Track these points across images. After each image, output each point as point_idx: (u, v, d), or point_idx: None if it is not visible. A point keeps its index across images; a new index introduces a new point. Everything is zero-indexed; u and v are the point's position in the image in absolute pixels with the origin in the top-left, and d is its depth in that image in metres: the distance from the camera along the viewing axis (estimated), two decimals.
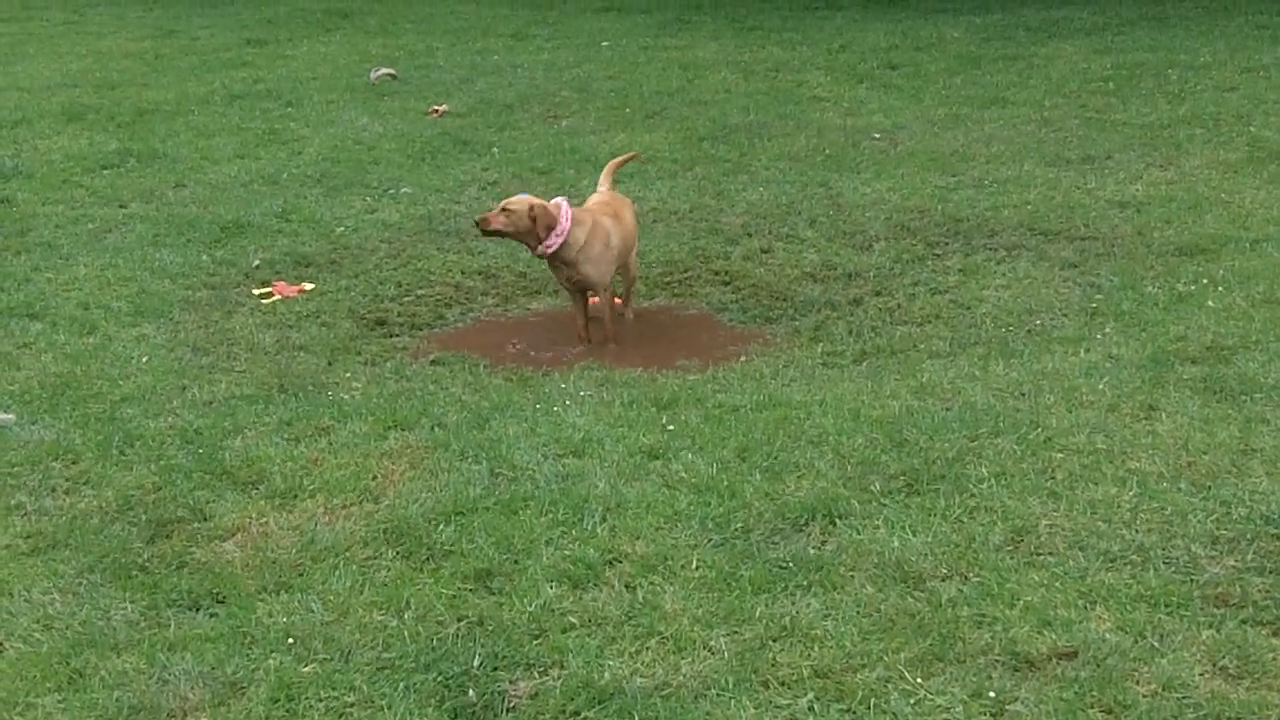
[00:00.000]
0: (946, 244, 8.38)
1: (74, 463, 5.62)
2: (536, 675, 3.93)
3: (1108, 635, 3.94)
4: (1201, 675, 3.76)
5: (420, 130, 11.55)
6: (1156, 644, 3.90)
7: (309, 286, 8.18)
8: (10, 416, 6.10)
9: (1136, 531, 4.52)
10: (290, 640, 4.18)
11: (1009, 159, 9.97)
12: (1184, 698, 3.67)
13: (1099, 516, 4.62)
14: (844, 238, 8.62)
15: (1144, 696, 3.68)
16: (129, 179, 10.36)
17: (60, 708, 3.99)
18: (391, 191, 9.93)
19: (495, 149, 10.94)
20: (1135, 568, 4.30)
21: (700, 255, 8.53)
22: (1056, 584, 4.21)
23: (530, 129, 11.57)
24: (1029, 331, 6.89)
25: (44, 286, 8.08)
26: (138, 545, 4.88)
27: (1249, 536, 4.44)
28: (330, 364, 6.98)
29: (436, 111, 12.10)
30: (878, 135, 10.86)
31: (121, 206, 9.72)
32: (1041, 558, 4.39)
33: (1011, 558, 4.39)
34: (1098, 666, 3.80)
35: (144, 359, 6.88)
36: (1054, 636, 3.95)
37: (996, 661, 3.85)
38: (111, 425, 5.95)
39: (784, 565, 4.40)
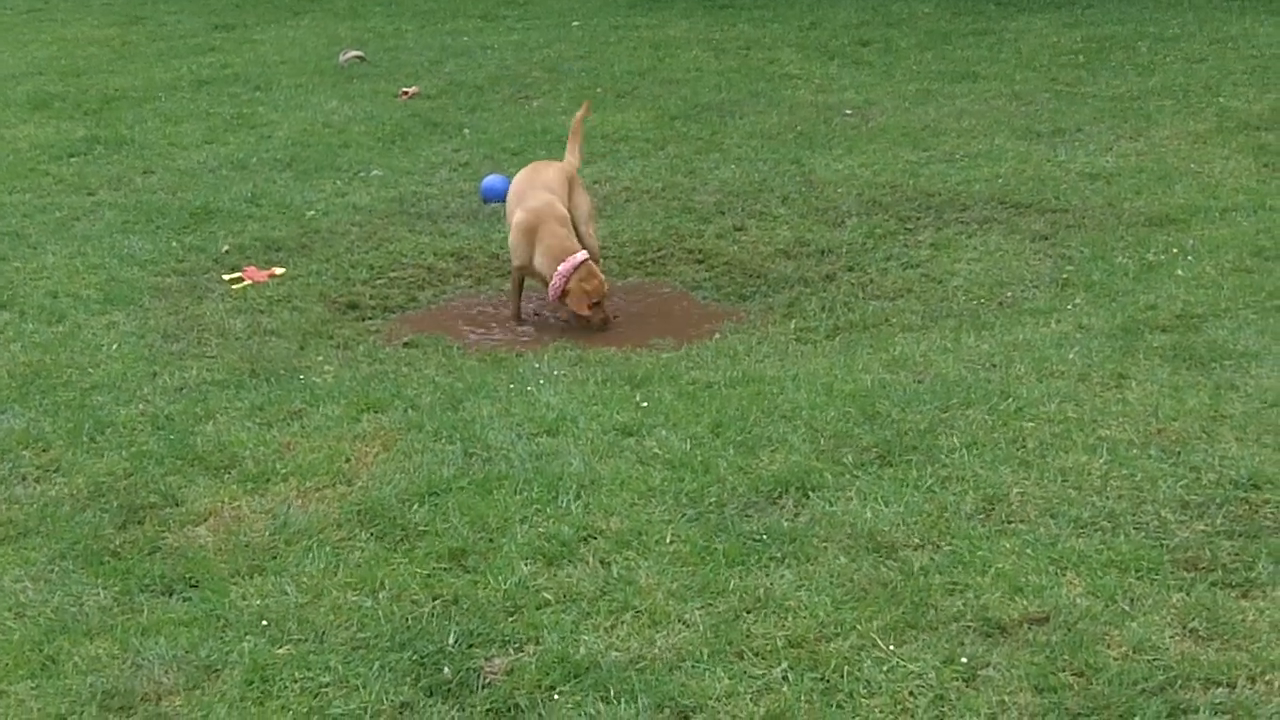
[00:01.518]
0: (918, 219, 8.39)
1: (44, 450, 5.59)
2: (512, 651, 3.94)
3: (1079, 600, 3.96)
4: (1172, 638, 3.79)
5: (390, 113, 11.51)
6: (1127, 608, 3.92)
7: (279, 271, 8.15)
8: None
9: (1107, 498, 4.54)
10: (264, 623, 4.18)
11: (980, 133, 9.98)
12: (1154, 660, 3.69)
13: (1070, 484, 4.64)
14: (816, 214, 8.62)
15: (1115, 659, 3.70)
16: (96, 166, 10.29)
17: (33, 694, 3.97)
18: (362, 174, 9.89)
19: (466, 130, 10.90)
20: (1106, 534, 4.32)
21: (673, 234, 8.52)
22: (1028, 551, 4.24)
23: (501, 110, 11.54)
24: (1000, 304, 6.91)
25: (12, 276, 8.02)
26: (109, 531, 4.86)
27: (1218, 501, 4.47)
28: (302, 348, 6.95)
29: (406, 94, 12.06)
30: (849, 111, 10.87)
31: (89, 194, 9.66)
32: (1013, 525, 4.41)
33: (983, 526, 4.41)
34: (1069, 631, 3.82)
35: (114, 346, 6.84)
36: (1025, 602, 3.97)
37: (969, 628, 3.87)
38: (82, 413, 5.93)
39: (758, 538, 4.41)
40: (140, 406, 5.98)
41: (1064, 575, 4.10)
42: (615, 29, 14.78)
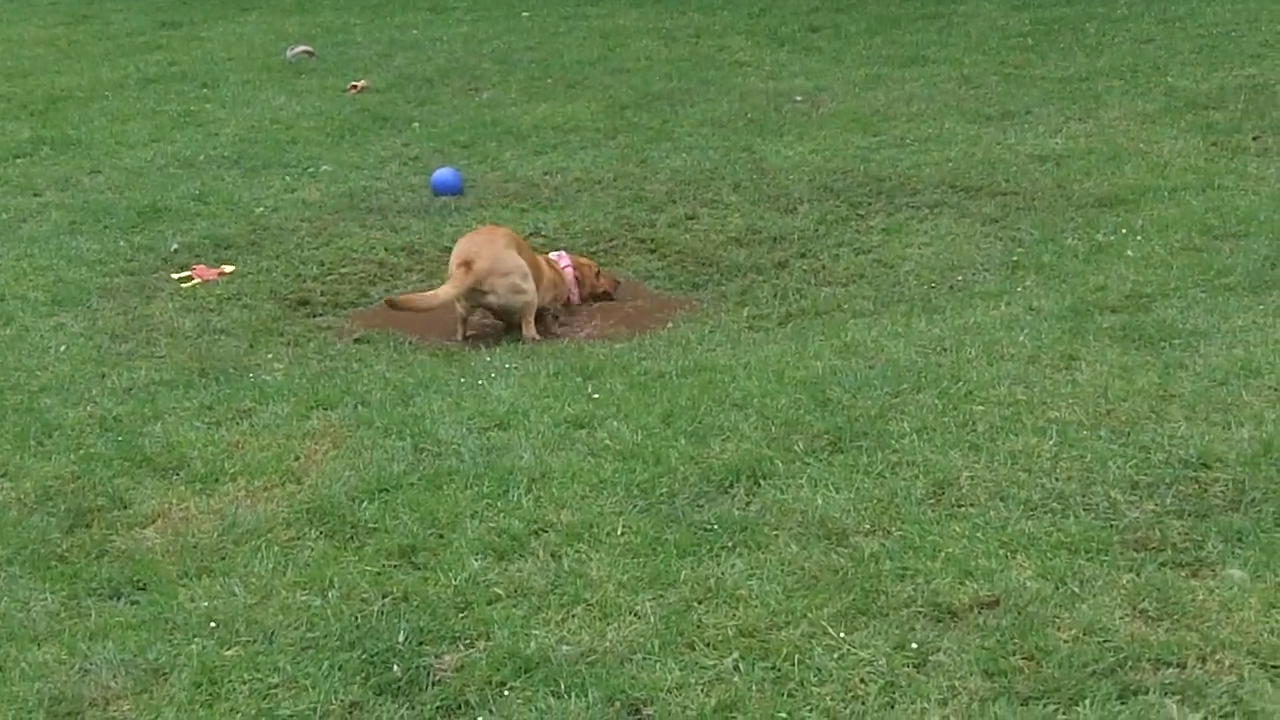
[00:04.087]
0: (870, 204, 8.41)
1: None
2: (462, 648, 3.90)
3: (1029, 583, 3.95)
4: (1121, 619, 3.78)
5: (339, 108, 11.43)
6: (1077, 590, 3.91)
7: (229, 269, 8.09)
8: None
9: (1057, 480, 4.53)
10: (213, 624, 4.12)
11: (930, 117, 10.00)
12: (1104, 641, 3.68)
13: (1019, 466, 4.63)
14: (768, 201, 8.62)
15: (1065, 642, 3.69)
16: (43, 167, 10.19)
17: None
18: (311, 170, 9.83)
19: (416, 124, 10.85)
20: (1056, 515, 4.31)
21: (625, 224, 8.50)
22: (978, 535, 4.22)
23: (451, 103, 11.48)
24: (951, 287, 6.92)
25: None
26: (56, 535, 4.79)
27: (1168, 480, 4.47)
28: (252, 346, 6.90)
29: (355, 88, 11.99)
30: (800, 98, 10.87)
31: (36, 195, 9.57)
32: (963, 509, 4.39)
33: (933, 510, 4.40)
34: (1019, 614, 3.81)
35: (62, 348, 6.77)
36: (976, 586, 3.95)
37: (919, 613, 3.86)
38: (29, 416, 5.85)
39: (709, 527, 4.38)
40: (88, 408, 5.91)
41: (1014, 558, 4.10)
42: (565, 19, 14.73)
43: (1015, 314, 6.20)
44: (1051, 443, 4.78)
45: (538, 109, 11.03)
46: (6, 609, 4.35)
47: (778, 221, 8.26)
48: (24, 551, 4.69)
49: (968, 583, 3.98)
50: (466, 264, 6.85)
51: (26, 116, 11.68)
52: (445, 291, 6.83)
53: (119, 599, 4.38)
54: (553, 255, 7.47)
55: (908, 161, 9.02)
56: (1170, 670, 3.56)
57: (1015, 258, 7.13)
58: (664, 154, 9.65)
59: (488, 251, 6.91)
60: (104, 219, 8.92)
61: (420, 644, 3.91)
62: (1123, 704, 3.45)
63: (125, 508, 4.98)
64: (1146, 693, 3.47)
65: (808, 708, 3.52)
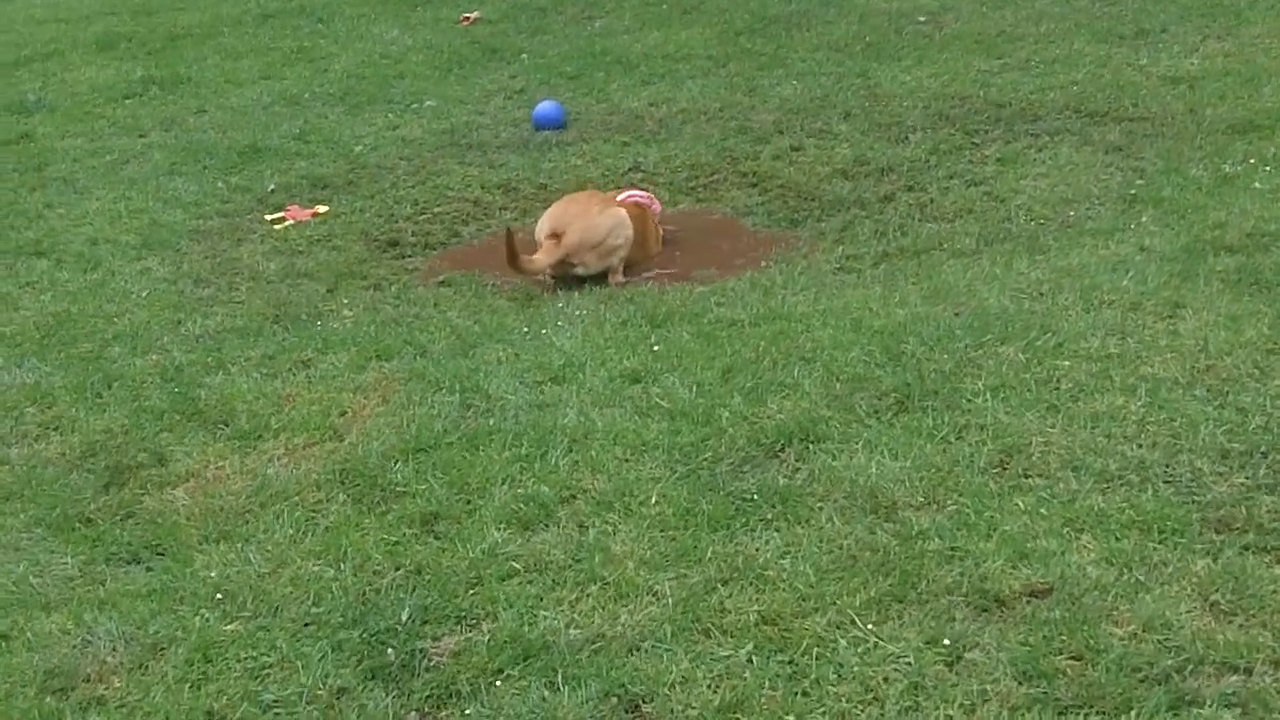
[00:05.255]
0: (986, 131, 7.88)
1: (49, 407, 5.43)
2: (465, 629, 3.63)
3: (1089, 569, 3.52)
4: (1188, 613, 3.33)
5: (449, 40, 11.20)
6: (1142, 577, 3.47)
7: (323, 209, 7.93)
8: None
9: (1139, 447, 4.07)
10: (219, 595, 3.93)
11: (1059, 37, 9.36)
12: (1164, 640, 3.24)
13: (1100, 431, 4.18)
14: (879, 130, 8.14)
15: (1119, 639, 3.26)
16: (150, 107, 10.17)
17: None
18: (415, 106, 9.61)
19: (525, 55, 10.55)
20: (1131, 489, 3.86)
21: (728, 156, 8.12)
22: (1041, 510, 3.80)
23: (563, 32, 11.15)
24: (1062, 223, 6.40)
25: (55, 223, 7.93)
26: (89, 495, 4.67)
27: (1263, 449, 3.98)
28: (330, 291, 6.73)
29: (467, 19, 11.74)
30: (923, 19, 10.28)
31: (141, 136, 9.54)
32: (1030, 480, 3.97)
33: (996, 481, 3.98)
34: (1072, 605, 3.38)
35: (144, 294, 6.69)
36: (1029, 572, 3.54)
37: (961, 601, 3.46)
38: (95, 365, 5.77)
39: (748, 497, 4.03)
40: (155, 357, 5.81)
41: (1078, 539, 3.67)
42: None
43: (1124, 254, 5.68)
44: (1140, 403, 4.32)
45: (649, 36, 10.64)
46: (24, 573, 4.23)
47: (887, 152, 7.78)
48: (54, 513, 4.57)
49: (1021, 567, 3.57)
50: (556, 236, 6.64)
51: (144, 55, 11.70)
52: (540, 260, 6.63)
53: (136, 564, 4.23)
54: (640, 196, 7.08)
55: (1031, 85, 8.44)
56: (1234, 677, 3.11)
57: (1134, 190, 6.57)
58: (775, 81, 9.20)
59: (579, 224, 6.64)
60: (204, 160, 8.85)
61: (423, 623, 3.66)
62: (1174, 717, 3.02)
63: (163, 465, 4.83)
64: (1203, 704, 3.04)
65: (820, 710, 3.17)
